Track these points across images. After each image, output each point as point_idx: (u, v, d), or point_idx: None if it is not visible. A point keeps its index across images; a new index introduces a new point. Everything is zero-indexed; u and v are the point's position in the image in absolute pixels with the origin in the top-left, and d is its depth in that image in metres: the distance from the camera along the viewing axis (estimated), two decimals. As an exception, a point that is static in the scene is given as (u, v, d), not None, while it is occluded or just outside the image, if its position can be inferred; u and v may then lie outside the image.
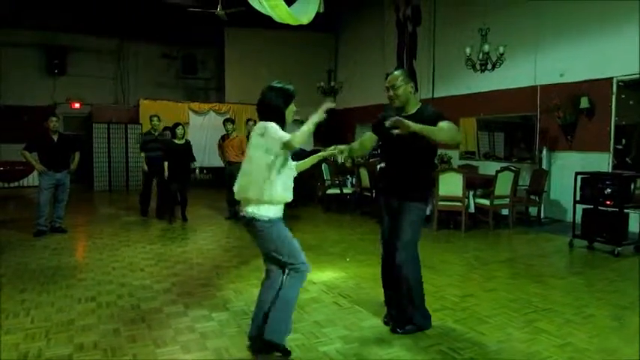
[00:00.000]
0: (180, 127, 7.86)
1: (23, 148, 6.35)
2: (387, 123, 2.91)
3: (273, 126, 2.72)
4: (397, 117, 2.92)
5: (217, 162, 8.36)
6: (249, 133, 8.55)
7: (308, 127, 2.71)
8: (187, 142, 7.84)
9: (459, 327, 3.42)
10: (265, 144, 2.72)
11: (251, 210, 2.76)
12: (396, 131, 2.87)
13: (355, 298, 4.02)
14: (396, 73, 3.29)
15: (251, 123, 8.69)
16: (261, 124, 2.79)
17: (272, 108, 2.81)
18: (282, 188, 2.77)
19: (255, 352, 2.92)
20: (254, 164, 2.76)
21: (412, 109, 3.23)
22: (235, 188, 2.83)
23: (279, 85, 2.87)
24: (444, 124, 3.00)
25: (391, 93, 3.25)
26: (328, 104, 2.83)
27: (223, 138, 8.12)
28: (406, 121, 2.85)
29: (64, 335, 3.21)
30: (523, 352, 3.04)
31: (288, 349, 2.91)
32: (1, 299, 3.90)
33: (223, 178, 8.54)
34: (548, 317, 3.62)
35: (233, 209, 7.88)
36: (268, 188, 2.71)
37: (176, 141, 7.68)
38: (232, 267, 5.01)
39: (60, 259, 5.24)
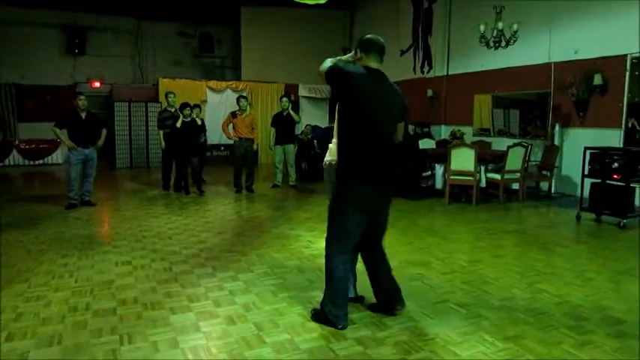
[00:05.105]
0: (188, 108, 8.14)
1: (54, 125, 6.69)
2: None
3: None
4: None
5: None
6: (282, 110, 8.73)
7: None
8: (194, 120, 8.19)
9: (465, 287, 3.70)
10: None
11: None
12: None
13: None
14: None
15: (285, 99, 8.87)
16: None
17: None
18: None
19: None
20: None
21: None
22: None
23: None
24: None
25: None
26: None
27: (234, 114, 8.28)
28: None
29: (106, 292, 3.57)
30: (524, 307, 3.31)
31: None
32: (46, 263, 4.28)
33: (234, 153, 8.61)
34: (550, 280, 3.88)
35: (239, 181, 8.26)
36: None
37: (184, 118, 8.05)
38: (254, 235, 5.33)
39: (92, 229, 5.62)
